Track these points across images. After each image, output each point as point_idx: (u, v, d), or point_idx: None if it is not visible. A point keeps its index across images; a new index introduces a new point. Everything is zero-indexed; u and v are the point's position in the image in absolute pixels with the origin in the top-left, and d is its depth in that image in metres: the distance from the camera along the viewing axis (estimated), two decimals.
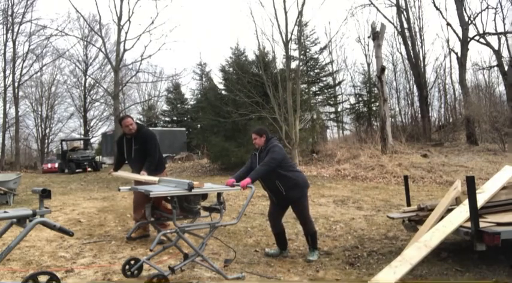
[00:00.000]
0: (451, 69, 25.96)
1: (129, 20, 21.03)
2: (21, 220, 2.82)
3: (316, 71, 24.16)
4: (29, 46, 28.46)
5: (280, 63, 16.62)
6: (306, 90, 20.68)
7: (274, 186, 4.16)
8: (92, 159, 21.58)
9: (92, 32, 27.77)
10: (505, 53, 21.26)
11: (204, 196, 3.51)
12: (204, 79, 32.82)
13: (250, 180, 3.87)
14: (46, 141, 35.76)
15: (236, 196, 8.58)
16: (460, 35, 20.23)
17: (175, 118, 33.12)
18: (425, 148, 16.67)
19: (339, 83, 26.69)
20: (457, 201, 4.05)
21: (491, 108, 19.61)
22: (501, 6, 22.71)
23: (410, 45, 22.62)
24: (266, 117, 14.41)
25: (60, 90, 35.39)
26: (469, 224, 3.47)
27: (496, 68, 22.81)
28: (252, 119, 15.03)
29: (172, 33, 68.41)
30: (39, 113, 35.07)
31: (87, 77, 33.86)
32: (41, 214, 2.89)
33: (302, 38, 19.57)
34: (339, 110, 26.22)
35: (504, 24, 21.96)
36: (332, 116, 26.01)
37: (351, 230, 5.56)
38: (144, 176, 4.55)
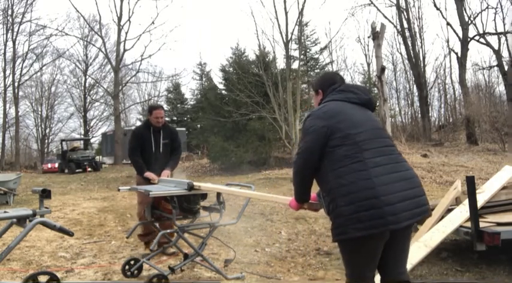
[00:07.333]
0: (451, 69, 26.03)
1: (129, 20, 21.16)
2: (21, 220, 2.81)
3: (316, 71, 24.15)
4: (29, 46, 28.51)
5: (280, 63, 16.65)
6: (306, 90, 20.68)
7: (407, 177, 2.05)
8: (92, 159, 21.59)
9: (92, 31, 27.90)
10: (505, 53, 21.26)
11: (204, 196, 3.51)
12: (204, 79, 32.75)
13: None
14: (46, 141, 35.78)
15: (236, 196, 8.54)
16: (460, 35, 20.24)
17: (175, 118, 33.07)
18: (425, 148, 16.66)
19: None
20: (457, 201, 4.05)
21: (491, 108, 19.59)
22: (501, 6, 22.61)
23: (410, 45, 22.64)
24: (266, 117, 14.41)
25: (60, 90, 35.44)
26: (469, 224, 3.47)
27: (496, 68, 22.79)
28: (252, 118, 15.04)
29: (173, 33, 68.44)
30: (39, 113, 35.08)
31: (87, 77, 33.91)
32: (41, 214, 2.88)
33: (302, 38, 19.57)
34: None
35: (504, 24, 21.95)
36: None
37: None
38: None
